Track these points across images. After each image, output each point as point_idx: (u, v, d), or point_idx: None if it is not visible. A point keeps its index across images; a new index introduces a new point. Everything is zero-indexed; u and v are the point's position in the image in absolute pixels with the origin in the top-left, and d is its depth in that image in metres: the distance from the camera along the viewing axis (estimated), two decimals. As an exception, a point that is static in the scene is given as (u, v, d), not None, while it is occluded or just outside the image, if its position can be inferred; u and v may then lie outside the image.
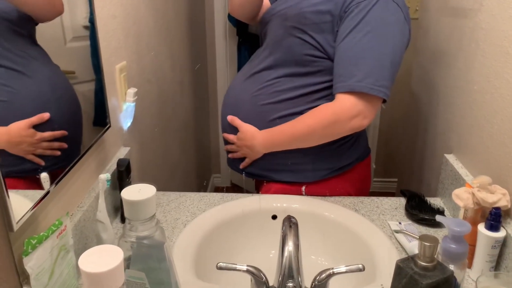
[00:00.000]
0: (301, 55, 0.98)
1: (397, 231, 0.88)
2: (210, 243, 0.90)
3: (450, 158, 1.03)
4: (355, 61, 0.91)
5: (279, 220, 0.97)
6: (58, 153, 0.69)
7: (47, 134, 0.66)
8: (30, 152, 0.63)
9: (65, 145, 0.71)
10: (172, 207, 1.01)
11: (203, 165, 2.40)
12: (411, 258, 0.64)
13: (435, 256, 0.63)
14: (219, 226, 0.94)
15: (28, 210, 0.61)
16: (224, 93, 2.43)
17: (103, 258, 0.45)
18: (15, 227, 0.57)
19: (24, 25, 0.64)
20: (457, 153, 1.03)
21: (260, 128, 1.03)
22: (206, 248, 0.88)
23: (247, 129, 1.04)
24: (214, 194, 1.07)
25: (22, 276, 0.60)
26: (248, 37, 2.24)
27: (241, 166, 1.10)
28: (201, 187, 2.38)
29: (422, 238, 0.62)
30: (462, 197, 0.79)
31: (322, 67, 0.97)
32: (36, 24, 0.66)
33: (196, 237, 0.89)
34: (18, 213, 0.58)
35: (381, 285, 0.73)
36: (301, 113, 0.99)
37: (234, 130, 1.08)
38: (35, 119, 0.63)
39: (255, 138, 1.03)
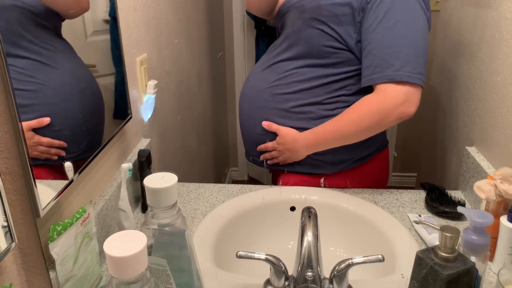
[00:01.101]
0: (320, 46, 0.97)
1: (417, 222, 0.88)
2: (229, 233, 0.91)
3: (472, 150, 1.02)
4: (390, 50, 0.91)
5: (298, 211, 0.98)
6: (55, 157, 0.67)
7: (45, 140, 0.64)
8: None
9: (62, 153, 0.68)
10: (192, 198, 1.02)
11: (220, 158, 2.41)
12: (432, 249, 0.64)
13: (456, 248, 0.62)
14: (238, 216, 0.95)
15: (53, 198, 0.63)
16: (241, 84, 2.42)
17: (128, 243, 0.46)
18: (42, 213, 0.58)
19: (51, 20, 0.65)
20: (479, 146, 1.02)
21: (279, 117, 1.02)
22: (225, 238, 0.89)
23: (288, 132, 1.03)
24: (233, 185, 1.08)
25: (48, 261, 0.61)
26: (266, 30, 2.24)
27: (269, 162, 1.10)
28: (219, 181, 2.39)
29: (443, 229, 0.61)
30: (484, 189, 0.78)
31: (342, 58, 0.96)
32: (63, 20, 0.67)
33: (215, 227, 0.90)
34: (44, 201, 0.60)
35: (402, 274, 0.73)
36: (319, 103, 0.99)
37: (263, 132, 1.07)
38: (34, 123, 0.62)
39: (297, 141, 1.02)
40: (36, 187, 0.57)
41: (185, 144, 1.57)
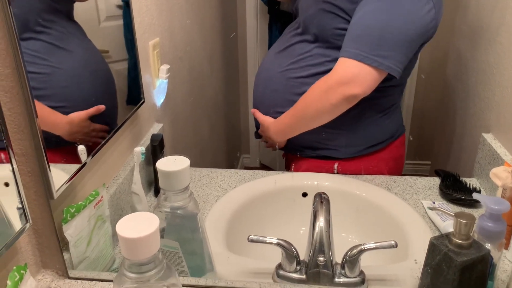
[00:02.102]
0: (333, 29, 0.96)
1: (431, 208, 0.87)
2: (241, 218, 0.91)
3: (488, 137, 1.00)
4: (357, 30, 0.90)
5: (310, 197, 0.97)
6: (101, 140, 0.73)
7: (98, 126, 0.71)
8: (82, 140, 0.66)
9: (106, 135, 0.75)
10: (204, 183, 1.02)
11: (232, 144, 2.41)
12: (446, 236, 0.63)
13: (471, 235, 0.61)
14: (250, 201, 0.95)
15: (67, 180, 0.63)
16: (254, 72, 2.40)
17: (140, 224, 0.46)
18: (55, 195, 0.59)
19: (63, 2, 0.65)
20: (496, 132, 1.00)
21: (293, 101, 1.02)
22: (236, 223, 0.89)
23: (264, 120, 1.07)
24: (245, 171, 1.07)
25: (62, 242, 0.62)
26: (279, 15, 2.21)
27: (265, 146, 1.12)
28: (231, 167, 2.40)
29: (457, 215, 0.60)
30: (500, 175, 0.76)
31: None
32: (74, 2, 0.67)
33: (227, 212, 0.90)
34: (57, 183, 0.60)
35: (415, 260, 0.73)
36: None
37: (275, 115, 1.07)
38: (92, 110, 0.69)
39: (269, 129, 1.06)
40: (49, 168, 0.57)
41: (197, 130, 1.57)
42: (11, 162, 0.52)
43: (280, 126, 1.03)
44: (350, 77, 0.89)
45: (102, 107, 0.71)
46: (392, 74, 0.90)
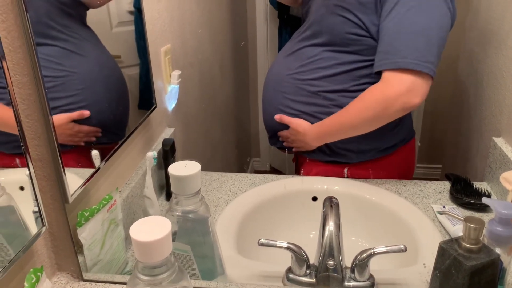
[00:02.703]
0: (343, 34, 0.96)
1: (440, 213, 0.87)
2: (251, 222, 0.92)
3: (499, 141, 1.00)
4: (399, 36, 0.89)
5: (320, 202, 0.98)
6: (94, 139, 0.72)
7: (86, 128, 0.69)
8: (68, 141, 0.65)
9: (99, 134, 0.73)
10: (214, 187, 1.04)
11: (242, 148, 2.43)
12: (455, 240, 0.63)
13: (481, 239, 0.61)
14: (260, 205, 0.96)
15: (81, 185, 0.65)
16: (264, 77, 2.41)
17: (153, 228, 0.48)
18: (70, 199, 0.61)
19: (77, 8, 0.67)
20: (507, 136, 0.99)
21: (301, 103, 1.03)
22: (247, 227, 0.90)
23: (298, 125, 1.03)
24: (255, 175, 1.08)
25: (77, 245, 0.64)
26: (289, 19, 2.22)
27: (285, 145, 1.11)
28: (241, 171, 2.41)
29: (467, 219, 0.61)
30: (510, 180, 0.76)
31: (366, 45, 0.95)
32: (88, 9, 0.69)
33: (238, 216, 0.91)
34: (72, 187, 0.62)
35: (424, 264, 0.73)
36: (344, 90, 0.98)
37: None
38: (75, 115, 0.66)
39: (306, 134, 1.03)
40: (65, 173, 0.59)
41: (208, 134, 1.59)
42: (28, 167, 0.54)
43: (322, 132, 1.01)
44: (408, 87, 0.88)
45: (87, 112, 0.69)
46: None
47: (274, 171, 2.71)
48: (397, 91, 0.89)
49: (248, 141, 2.64)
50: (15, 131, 0.52)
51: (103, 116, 0.74)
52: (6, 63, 0.48)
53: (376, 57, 0.94)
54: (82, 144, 0.69)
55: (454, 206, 0.93)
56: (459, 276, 0.60)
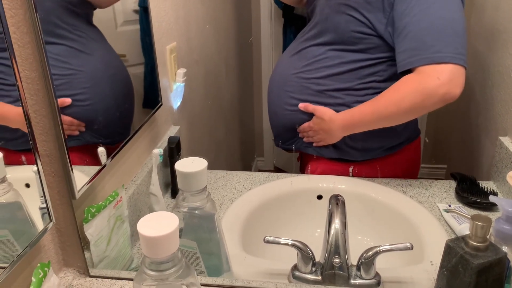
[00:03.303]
0: (349, 32, 0.96)
1: (447, 211, 0.87)
2: (256, 219, 0.92)
3: (505, 140, 0.99)
4: (429, 32, 0.88)
5: (325, 200, 0.98)
6: (77, 133, 0.68)
7: (68, 119, 0.64)
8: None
9: (83, 129, 0.69)
10: (219, 185, 1.04)
11: (247, 147, 2.43)
12: (462, 238, 0.63)
13: (488, 237, 0.61)
14: (265, 203, 0.96)
15: (88, 181, 0.65)
16: (268, 77, 2.40)
17: (160, 223, 0.48)
18: (77, 195, 0.61)
19: (83, 7, 0.67)
20: (513, 136, 0.99)
21: (309, 101, 1.02)
22: (252, 224, 0.90)
23: (325, 112, 1.00)
24: (260, 173, 1.08)
25: (83, 241, 0.64)
26: (293, 19, 2.22)
27: (305, 140, 1.09)
28: (245, 170, 2.40)
29: (474, 217, 0.61)
30: (517, 179, 0.76)
31: (371, 44, 0.95)
32: (94, 8, 0.69)
33: (243, 214, 0.91)
34: (79, 183, 0.62)
35: (431, 262, 0.73)
36: (349, 89, 0.98)
37: (291, 116, 1.07)
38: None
39: (333, 121, 0.99)
40: (72, 169, 0.59)
41: (213, 133, 1.59)
42: (36, 163, 0.54)
43: (351, 120, 0.98)
44: (448, 77, 0.87)
45: (68, 100, 0.64)
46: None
47: (278, 170, 2.71)
48: (438, 82, 0.87)
49: (252, 141, 2.64)
50: (23, 127, 0.52)
51: (108, 114, 0.74)
52: (15, 59, 0.48)
53: (400, 55, 0.92)
54: (77, 133, 0.67)
55: (460, 205, 0.92)
56: (466, 275, 0.60)
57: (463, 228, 0.81)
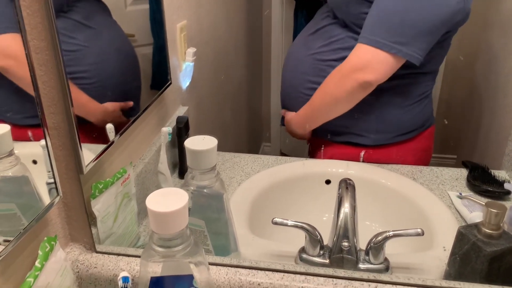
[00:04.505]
0: (359, 14, 0.94)
1: (460, 197, 0.85)
2: (263, 202, 0.91)
3: (520, 129, 0.97)
4: (378, 15, 0.89)
5: (333, 185, 0.97)
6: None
7: (124, 119, 0.74)
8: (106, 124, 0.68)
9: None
10: (227, 167, 1.03)
11: (253, 132, 2.41)
12: (475, 226, 0.62)
13: (501, 225, 0.60)
14: (273, 186, 0.95)
15: (96, 156, 0.64)
16: (278, 59, 2.37)
17: (170, 200, 0.47)
18: (85, 170, 0.60)
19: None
20: (528, 125, 0.97)
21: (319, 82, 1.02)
22: (259, 207, 0.89)
23: (287, 117, 1.09)
24: (268, 156, 1.07)
25: (90, 217, 0.63)
26: (305, 1, 2.19)
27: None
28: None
29: (488, 204, 0.59)
30: (533, 167, 0.74)
31: None
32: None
33: (250, 196, 0.90)
34: (87, 158, 0.61)
35: (443, 247, 0.71)
36: None
37: (304, 99, 1.07)
38: (123, 104, 0.74)
39: (290, 123, 1.07)
40: (80, 143, 0.58)
41: (220, 115, 1.58)
42: (44, 136, 0.53)
43: (300, 119, 1.04)
44: (364, 63, 0.89)
45: (130, 103, 0.75)
46: (411, 61, 0.89)
47: (285, 156, 2.70)
48: (352, 65, 0.90)
49: (259, 125, 2.62)
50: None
51: (114, 92, 0.73)
52: (24, 27, 0.47)
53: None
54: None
55: (471, 193, 0.91)
56: (478, 262, 0.59)
57: (474, 216, 0.80)
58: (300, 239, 0.73)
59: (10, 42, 0.47)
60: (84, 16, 0.63)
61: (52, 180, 0.59)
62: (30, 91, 0.50)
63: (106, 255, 0.63)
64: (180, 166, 0.97)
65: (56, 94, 0.54)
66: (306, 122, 1.03)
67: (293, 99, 1.08)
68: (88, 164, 0.61)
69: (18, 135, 0.53)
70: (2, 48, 0.47)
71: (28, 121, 0.54)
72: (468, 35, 0.92)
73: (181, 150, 0.96)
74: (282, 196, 0.95)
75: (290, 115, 1.08)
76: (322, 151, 1.07)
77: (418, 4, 0.87)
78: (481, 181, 0.91)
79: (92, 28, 0.66)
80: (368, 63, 0.89)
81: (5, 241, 0.51)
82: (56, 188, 0.57)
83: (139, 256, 0.64)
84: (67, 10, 0.59)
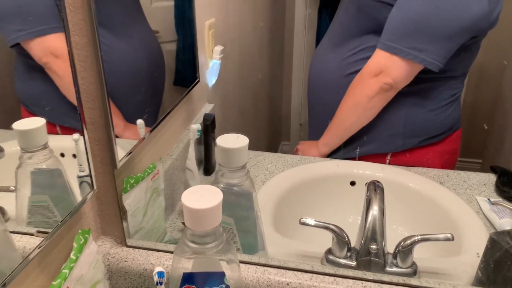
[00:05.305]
0: (383, 19, 0.93)
1: (491, 202, 0.84)
2: (287, 201, 0.91)
3: (552, 135, 0.95)
4: (397, 21, 0.89)
5: (358, 186, 0.96)
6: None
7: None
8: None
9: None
10: (251, 165, 1.03)
11: (273, 131, 2.41)
12: (507, 233, 0.61)
13: (535, 233, 0.59)
14: (297, 186, 0.95)
15: (128, 152, 0.65)
16: (299, 59, 2.37)
17: (204, 197, 0.47)
18: (118, 164, 0.61)
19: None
20: (561, 131, 0.95)
21: None
22: (283, 206, 0.89)
23: (303, 149, 1.13)
24: (292, 156, 1.07)
25: (122, 211, 0.64)
26: (330, 0, 2.17)
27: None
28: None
29: (523, 212, 0.58)
30: None
31: None
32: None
33: (274, 195, 0.90)
34: (120, 154, 0.62)
35: (477, 253, 0.70)
36: None
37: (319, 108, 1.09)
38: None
39: (310, 150, 1.09)
40: (115, 138, 0.59)
41: (243, 113, 1.58)
42: (82, 130, 0.54)
43: (325, 140, 1.05)
44: (381, 67, 0.91)
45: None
46: (429, 68, 0.89)
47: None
48: (370, 70, 0.92)
49: (279, 124, 2.62)
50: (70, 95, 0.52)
51: (138, 101, 0.74)
52: (67, 23, 0.48)
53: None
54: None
55: (500, 199, 0.89)
56: (511, 270, 0.58)
57: (504, 222, 0.79)
58: (323, 240, 0.73)
59: (57, 42, 0.48)
60: (115, 20, 0.64)
61: (83, 174, 0.60)
62: (70, 89, 0.51)
63: (136, 249, 0.64)
64: (205, 163, 0.97)
65: (94, 90, 0.55)
66: (332, 141, 1.04)
67: (320, 113, 1.09)
68: (122, 159, 0.62)
69: (48, 129, 0.54)
70: (51, 47, 0.48)
71: (55, 119, 0.54)
72: (496, 37, 0.90)
73: (207, 147, 0.96)
74: (306, 196, 0.95)
75: (305, 144, 1.12)
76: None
77: (436, 11, 0.86)
78: (510, 187, 0.90)
79: (126, 36, 0.67)
80: (384, 67, 0.90)
81: (38, 232, 0.53)
82: (92, 182, 0.58)
83: (168, 251, 0.64)
84: (106, 16, 0.59)
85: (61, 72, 0.50)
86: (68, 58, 0.49)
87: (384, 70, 0.90)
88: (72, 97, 0.52)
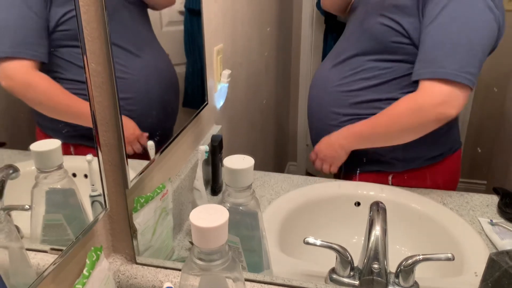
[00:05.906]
0: (387, 42, 0.96)
1: (493, 224, 0.85)
2: (293, 221, 0.93)
3: (553, 157, 0.97)
4: (441, 46, 0.88)
5: (363, 207, 0.98)
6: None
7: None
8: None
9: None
10: (257, 185, 1.05)
11: (279, 151, 2.44)
12: (507, 253, 0.62)
13: (534, 254, 0.60)
14: (302, 206, 0.97)
15: (139, 172, 0.68)
16: (306, 82, 2.41)
17: (212, 215, 0.50)
18: (130, 185, 0.64)
19: (141, 8, 0.70)
20: (562, 153, 0.96)
21: (349, 113, 1.03)
22: (289, 226, 0.91)
23: (321, 141, 1.08)
24: (298, 176, 1.09)
25: (132, 229, 0.67)
26: (335, 25, 2.22)
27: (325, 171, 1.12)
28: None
29: (521, 232, 0.60)
30: None
31: (409, 54, 0.95)
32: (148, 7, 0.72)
33: (280, 215, 0.92)
34: (131, 175, 0.65)
35: (475, 273, 0.72)
36: (391, 99, 0.98)
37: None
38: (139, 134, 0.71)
39: (331, 135, 1.05)
40: (127, 159, 0.62)
41: (250, 134, 1.61)
42: (97, 152, 0.57)
43: (355, 133, 1.01)
44: (444, 98, 0.88)
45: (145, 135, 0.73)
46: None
47: (310, 176, 2.71)
48: (433, 100, 0.89)
49: (285, 144, 2.65)
50: (84, 120, 0.55)
51: (151, 123, 0.76)
52: (86, 53, 0.51)
53: (415, 65, 0.93)
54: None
55: (502, 220, 0.91)
56: (510, 290, 0.60)
57: (506, 243, 0.80)
58: (328, 260, 0.74)
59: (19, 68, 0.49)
60: (131, 42, 0.67)
61: (95, 193, 0.63)
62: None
63: (145, 267, 0.66)
64: (213, 183, 1.00)
65: (108, 113, 0.58)
66: (361, 139, 1.01)
67: (320, 131, 1.11)
68: (133, 179, 0.65)
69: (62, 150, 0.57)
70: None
71: (70, 139, 0.57)
72: (500, 57, 0.93)
73: (215, 168, 0.99)
74: (311, 216, 0.97)
75: (324, 141, 1.07)
76: (350, 176, 1.08)
77: (476, 33, 0.87)
78: (513, 208, 0.91)
79: (139, 57, 0.70)
80: (447, 97, 0.88)
81: (52, 249, 0.55)
82: (105, 201, 0.60)
83: (177, 269, 0.67)
84: (121, 37, 0.63)
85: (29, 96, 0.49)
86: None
87: (448, 101, 0.88)
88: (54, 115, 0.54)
